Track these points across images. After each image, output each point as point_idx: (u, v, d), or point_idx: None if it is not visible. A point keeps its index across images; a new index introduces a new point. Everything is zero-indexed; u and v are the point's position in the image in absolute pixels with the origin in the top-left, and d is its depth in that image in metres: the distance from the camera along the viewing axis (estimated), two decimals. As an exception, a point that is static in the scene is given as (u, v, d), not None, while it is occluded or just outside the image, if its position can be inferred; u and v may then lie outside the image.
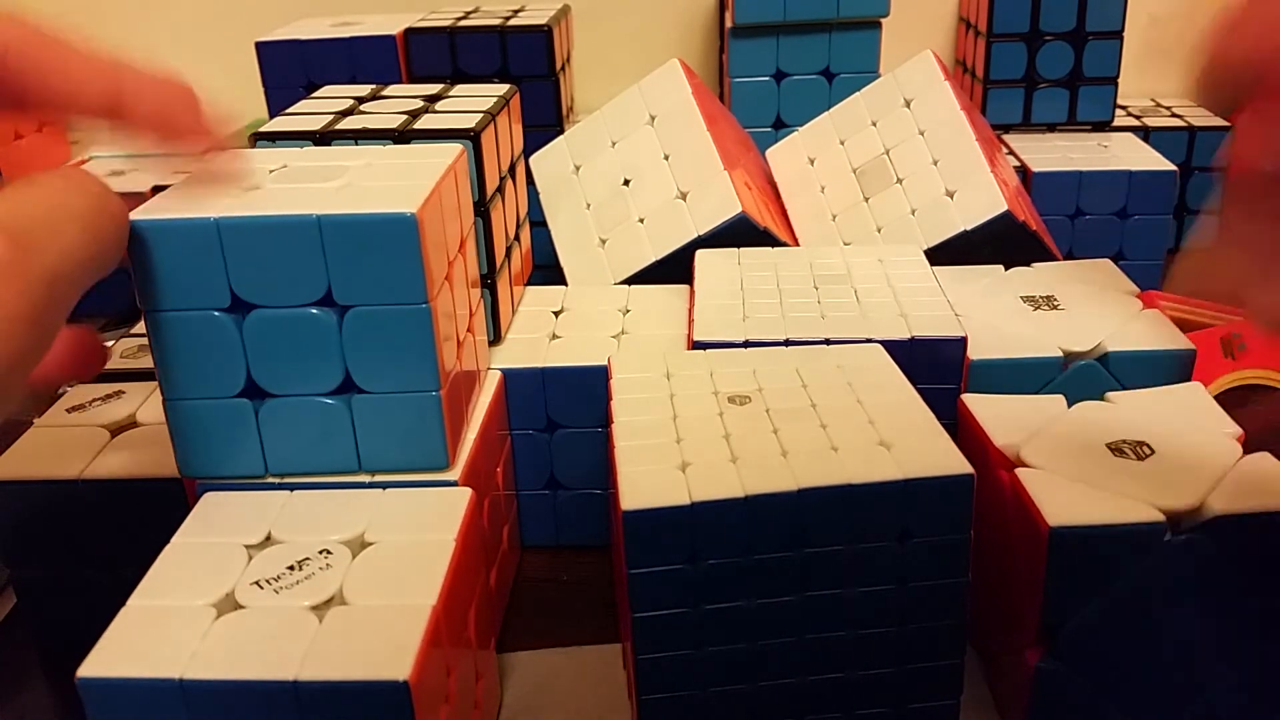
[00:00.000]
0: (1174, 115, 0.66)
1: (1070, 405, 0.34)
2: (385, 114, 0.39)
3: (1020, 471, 0.30)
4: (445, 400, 0.31)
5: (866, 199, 0.49)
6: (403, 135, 0.37)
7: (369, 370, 0.30)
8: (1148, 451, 0.31)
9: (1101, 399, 0.35)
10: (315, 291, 0.29)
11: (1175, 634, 0.29)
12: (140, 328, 0.43)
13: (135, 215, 0.29)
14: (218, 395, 0.30)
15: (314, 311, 0.29)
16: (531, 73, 0.55)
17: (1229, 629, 0.29)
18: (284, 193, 0.30)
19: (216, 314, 0.29)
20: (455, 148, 0.34)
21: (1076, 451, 0.31)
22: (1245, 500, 0.28)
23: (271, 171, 0.32)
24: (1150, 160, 0.57)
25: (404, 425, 0.31)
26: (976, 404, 0.35)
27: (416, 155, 0.33)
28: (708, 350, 0.35)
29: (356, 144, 0.37)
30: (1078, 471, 0.30)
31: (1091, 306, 0.41)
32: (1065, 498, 0.29)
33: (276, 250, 0.29)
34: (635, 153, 0.47)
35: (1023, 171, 0.57)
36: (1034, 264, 0.45)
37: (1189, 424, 0.33)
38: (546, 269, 0.48)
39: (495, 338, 0.40)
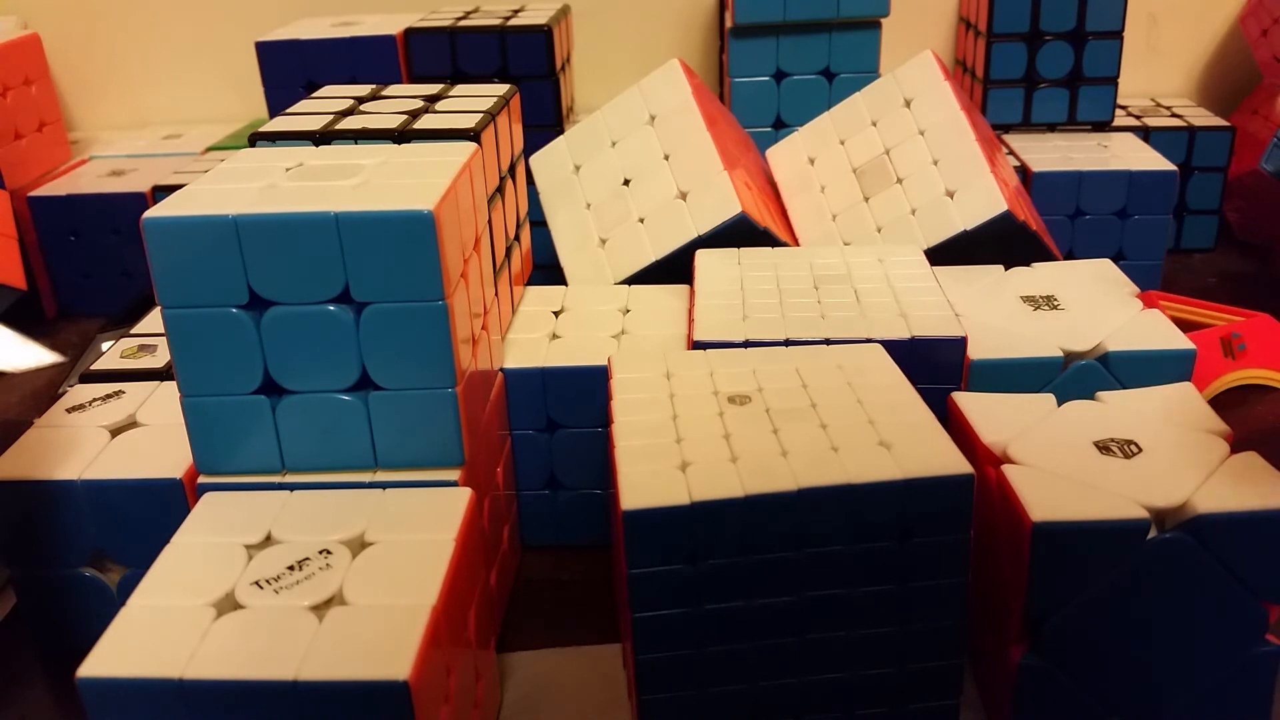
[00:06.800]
0: (1174, 115, 0.65)
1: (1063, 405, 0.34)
2: (385, 114, 0.39)
3: (1006, 468, 0.30)
4: (461, 397, 0.31)
5: (866, 199, 0.49)
6: (403, 135, 0.37)
7: (385, 367, 0.30)
8: (1135, 450, 0.31)
9: (1092, 399, 0.34)
10: (332, 288, 0.29)
11: (1158, 631, 0.29)
12: (140, 327, 0.43)
13: (153, 213, 0.29)
14: (235, 392, 0.30)
15: (331, 309, 0.29)
16: (531, 73, 0.55)
17: (1211, 627, 0.29)
18: (301, 190, 0.30)
19: (234, 311, 0.29)
20: (470, 146, 0.34)
21: (1064, 449, 0.31)
22: (1230, 499, 0.28)
23: (288, 170, 0.32)
24: (1150, 160, 0.57)
25: (420, 422, 0.31)
26: (965, 401, 0.35)
27: (432, 153, 0.33)
28: (708, 350, 0.35)
29: (357, 143, 0.37)
30: (1064, 468, 0.30)
31: (1091, 306, 0.41)
32: (1050, 494, 0.29)
33: (294, 247, 0.29)
34: (635, 153, 0.47)
35: (1023, 171, 0.57)
36: (1034, 264, 0.45)
37: (1178, 423, 0.32)
38: (546, 269, 0.48)
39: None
